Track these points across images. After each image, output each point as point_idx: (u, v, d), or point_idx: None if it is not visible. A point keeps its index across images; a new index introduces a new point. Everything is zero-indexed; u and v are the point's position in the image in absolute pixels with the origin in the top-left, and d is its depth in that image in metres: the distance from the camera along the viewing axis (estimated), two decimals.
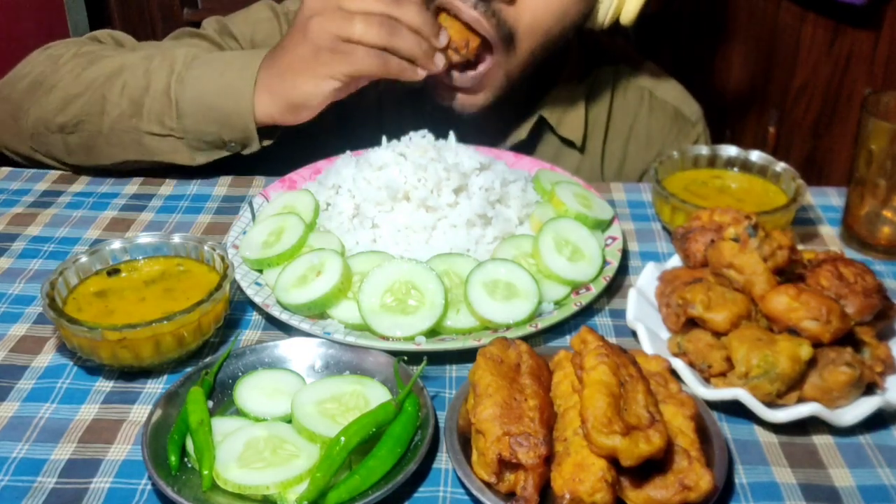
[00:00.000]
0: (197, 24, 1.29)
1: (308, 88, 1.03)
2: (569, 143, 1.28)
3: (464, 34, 1.07)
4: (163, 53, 1.11)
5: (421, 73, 1.05)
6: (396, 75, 1.03)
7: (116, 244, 0.89)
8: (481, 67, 1.10)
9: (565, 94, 1.27)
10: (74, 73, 1.12)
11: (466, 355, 0.82)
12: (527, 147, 1.26)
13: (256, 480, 0.66)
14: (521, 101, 1.25)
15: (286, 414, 0.74)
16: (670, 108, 1.33)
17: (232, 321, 0.89)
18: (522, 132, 1.26)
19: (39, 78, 1.14)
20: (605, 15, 1.15)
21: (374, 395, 0.74)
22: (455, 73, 1.11)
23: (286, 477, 0.66)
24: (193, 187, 1.15)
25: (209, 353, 0.84)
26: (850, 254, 1.00)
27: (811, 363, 0.74)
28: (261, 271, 0.93)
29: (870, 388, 0.76)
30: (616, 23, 1.16)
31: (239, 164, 1.15)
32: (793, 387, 0.74)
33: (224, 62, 1.08)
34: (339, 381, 0.76)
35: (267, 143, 1.10)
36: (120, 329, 0.76)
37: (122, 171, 1.17)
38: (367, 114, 1.25)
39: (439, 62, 1.05)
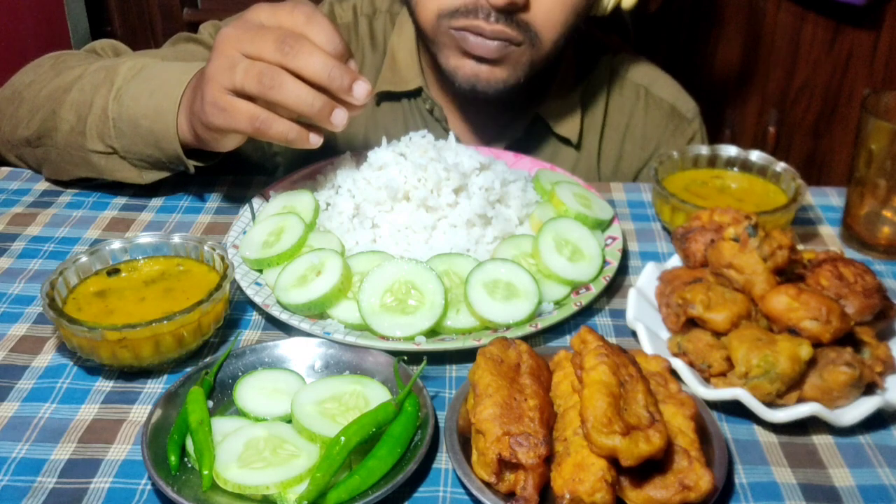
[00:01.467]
0: (197, 24, 1.29)
1: (199, 130, 0.95)
2: (565, 142, 1.28)
3: None
4: (110, 67, 1.05)
5: (315, 140, 0.90)
6: (279, 141, 0.89)
7: (116, 244, 0.89)
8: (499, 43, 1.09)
9: (562, 93, 1.27)
10: (40, 86, 1.10)
11: (466, 355, 0.82)
12: (523, 146, 1.26)
13: (256, 480, 0.66)
14: (518, 100, 1.25)
15: (286, 414, 0.74)
16: (666, 106, 1.33)
17: (232, 321, 0.89)
18: (519, 130, 1.26)
19: (19, 87, 1.14)
20: (608, 1, 1.18)
21: (374, 395, 0.74)
22: (474, 39, 1.07)
23: (286, 477, 0.66)
24: (193, 187, 1.15)
25: (209, 352, 0.84)
26: (851, 254, 1.00)
27: (811, 363, 0.74)
28: (261, 271, 0.93)
29: (870, 388, 0.76)
30: (617, 10, 1.19)
31: (239, 164, 1.15)
32: (793, 387, 0.74)
33: (160, 79, 1.01)
34: (339, 381, 0.76)
35: (200, 164, 1.04)
36: (120, 329, 0.76)
37: (88, 185, 1.14)
38: (364, 114, 1.25)
39: (339, 120, 0.88)
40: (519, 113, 1.26)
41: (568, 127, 1.27)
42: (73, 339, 0.78)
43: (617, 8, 1.20)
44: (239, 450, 0.68)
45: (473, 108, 1.25)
